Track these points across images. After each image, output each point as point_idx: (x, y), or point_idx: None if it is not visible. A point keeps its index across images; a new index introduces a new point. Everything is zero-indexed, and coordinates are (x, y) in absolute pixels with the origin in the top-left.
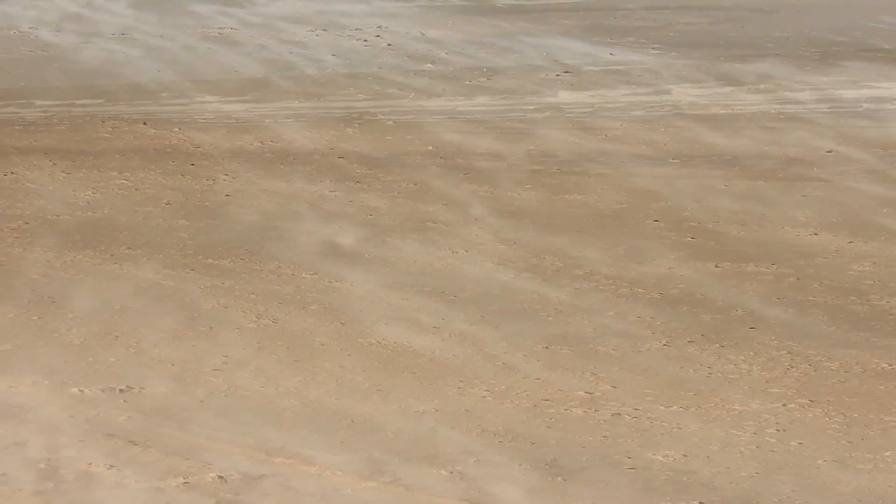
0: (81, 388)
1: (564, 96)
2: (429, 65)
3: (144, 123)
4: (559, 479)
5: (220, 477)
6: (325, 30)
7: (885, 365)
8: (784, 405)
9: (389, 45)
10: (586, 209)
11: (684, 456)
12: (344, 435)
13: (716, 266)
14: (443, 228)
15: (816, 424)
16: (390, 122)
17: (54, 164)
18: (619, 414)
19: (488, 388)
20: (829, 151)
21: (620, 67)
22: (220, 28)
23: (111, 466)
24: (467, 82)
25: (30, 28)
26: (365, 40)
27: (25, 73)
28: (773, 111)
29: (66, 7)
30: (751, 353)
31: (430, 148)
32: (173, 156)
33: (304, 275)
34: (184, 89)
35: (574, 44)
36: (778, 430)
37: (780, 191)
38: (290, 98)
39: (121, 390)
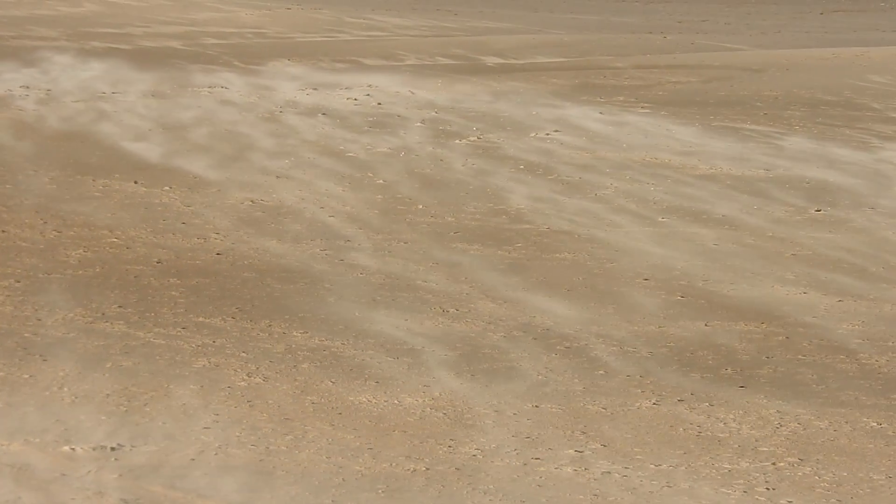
0: (73, 447)
1: (556, 153)
2: (419, 123)
3: (136, 182)
4: None
5: None
6: (315, 89)
7: (874, 424)
8: (773, 464)
9: (379, 104)
10: (576, 267)
11: None
12: (335, 494)
13: (706, 325)
14: (433, 287)
15: (806, 483)
16: (380, 182)
17: (45, 222)
18: (608, 472)
19: (478, 447)
20: (818, 210)
21: (610, 127)
22: (210, 89)
23: None
24: (457, 141)
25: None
26: (355, 99)
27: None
28: (762, 173)
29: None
30: (740, 411)
31: (421, 206)
32: (164, 214)
33: (294, 333)
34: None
35: (564, 103)
36: (768, 488)
37: (769, 249)
38: (280, 157)
39: (112, 448)
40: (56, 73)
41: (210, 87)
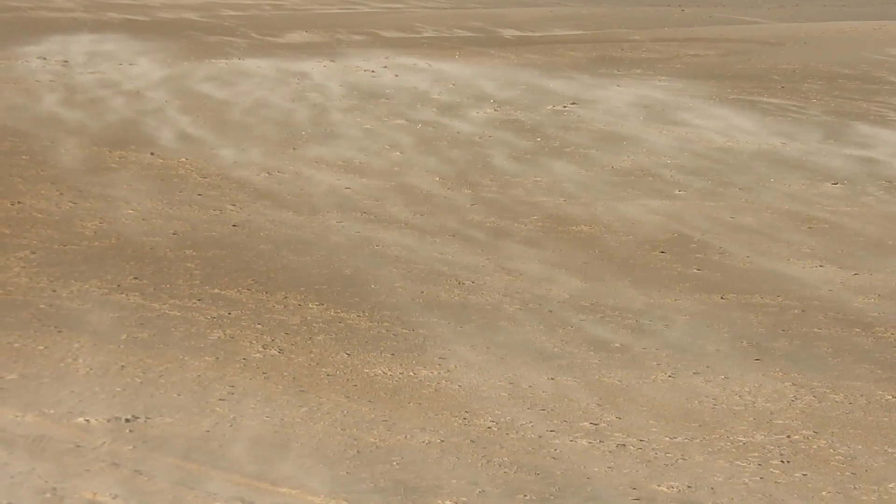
0: (87, 418)
1: (573, 126)
2: (436, 95)
3: (152, 154)
4: None
5: None
6: (332, 60)
7: (889, 397)
8: (788, 437)
9: (397, 75)
10: (592, 240)
11: (689, 487)
12: (350, 465)
13: (721, 298)
14: (449, 259)
15: (821, 456)
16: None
17: (61, 193)
18: (623, 445)
19: (493, 419)
20: (835, 184)
21: (627, 99)
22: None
23: (116, 496)
24: (474, 113)
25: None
26: (373, 71)
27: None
28: (778, 146)
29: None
30: (756, 384)
31: (437, 179)
32: (180, 185)
33: (310, 305)
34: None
35: (581, 75)
36: (782, 461)
37: (785, 223)
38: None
39: (126, 420)
40: (72, 44)
41: (227, 58)
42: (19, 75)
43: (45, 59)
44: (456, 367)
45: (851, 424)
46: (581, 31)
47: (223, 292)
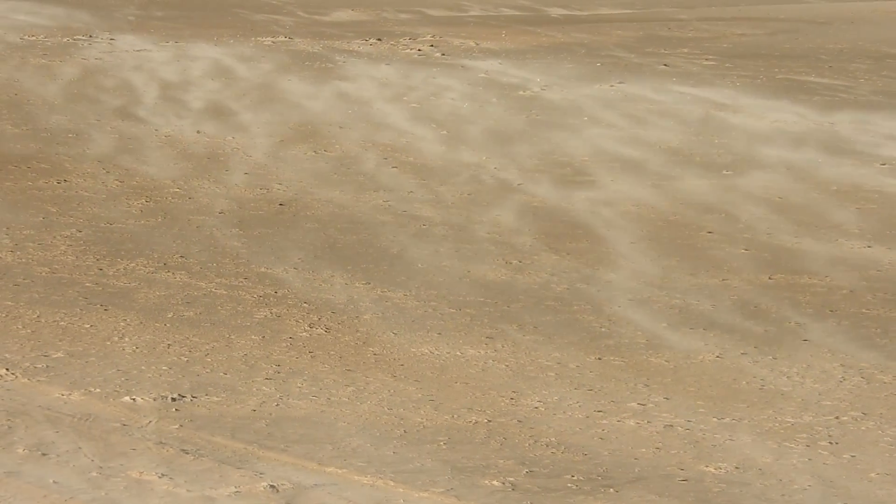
0: (133, 397)
1: (617, 105)
2: (482, 74)
3: (198, 132)
4: (611, 490)
5: (272, 486)
6: (379, 39)
7: None
8: (837, 418)
9: (443, 54)
10: (640, 219)
11: (737, 468)
12: (396, 445)
13: (769, 278)
14: (496, 239)
15: (869, 437)
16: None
17: (107, 172)
18: (671, 425)
19: (541, 399)
20: (884, 164)
21: (674, 79)
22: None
23: (163, 475)
24: (521, 92)
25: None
26: (419, 49)
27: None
28: (827, 125)
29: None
30: (804, 365)
31: (484, 157)
32: (227, 164)
33: (357, 284)
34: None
35: (628, 55)
36: (830, 442)
37: (834, 202)
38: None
39: (173, 399)
40: (119, 23)
41: (273, 37)
42: (69, 54)
43: (91, 37)
44: (503, 346)
45: None
46: (628, 10)
47: (269, 271)
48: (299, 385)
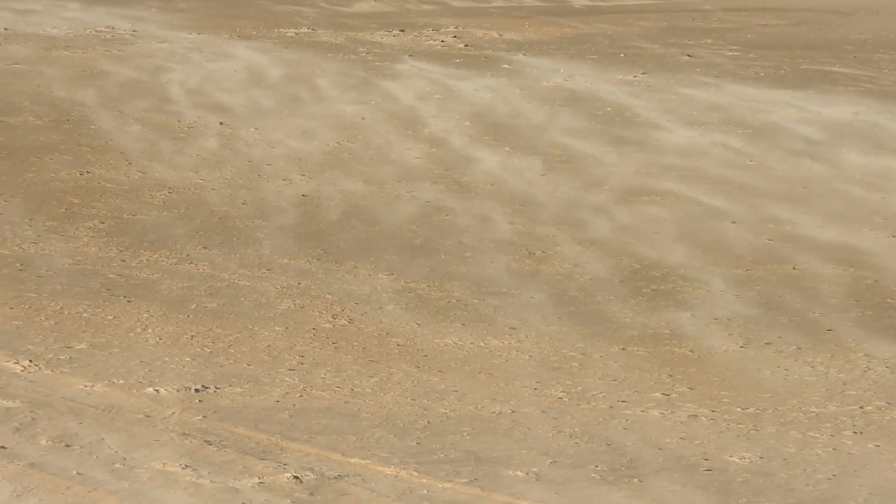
0: (157, 388)
1: (643, 95)
2: (506, 65)
3: (221, 123)
4: (635, 480)
5: (296, 477)
6: (402, 30)
7: None
8: (861, 407)
9: (466, 45)
10: (663, 209)
11: (761, 458)
12: (420, 436)
13: (793, 268)
14: (519, 229)
15: (894, 427)
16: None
17: (130, 163)
18: (695, 415)
19: (564, 390)
20: None
21: (698, 69)
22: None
23: (186, 466)
24: (544, 83)
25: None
26: (442, 41)
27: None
28: (850, 116)
29: None
30: (828, 355)
31: (507, 148)
32: (249, 155)
33: (380, 275)
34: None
35: (651, 45)
36: (855, 432)
37: (858, 192)
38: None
39: (196, 390)
40: (141, 13)
41: (296, 28)
42: (91, 46)
43: (114, 29)
44: (527, 337)
45: None
46: (651, 1)
47: (292, 262)
48: (322, 376)
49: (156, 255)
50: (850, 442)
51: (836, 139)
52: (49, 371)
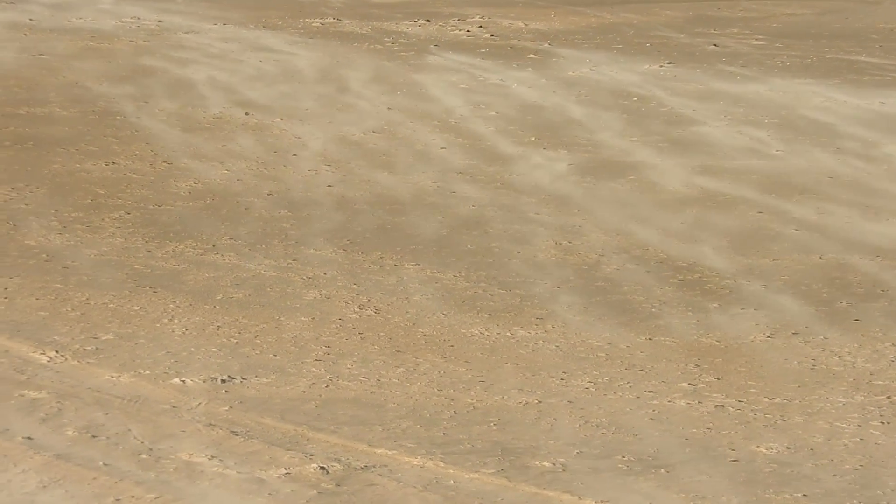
0: (183, 379)
1: (669, 86)
2: (531, 55)
3: (246, 114)
4: (662, 471)
5: (322, 468)
6: (427, 20)
7: None
8: (888, 398)
9: (492, 35)
10: (688, 199)
11: (788, 448)
12: (446, 426)
13: (820, 258)
14: (545, 220)
15: None
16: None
17: (156, 153)
18: (722, 406)
19: (591, 380)
20: None
21: (724, 59)
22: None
23: (213, 457)
24: (570, 73)
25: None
26: (468, 31)
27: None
28: (877, 105)
29: None
30: (855, 345)
31: (534, 138)
32: (275, 145)
33: (406, 265)
34: None
35: (677, 35)
36: (882, 422)
37: (884, 182)
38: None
39: (222, 381)
40: (167, 5)
41: (322, 18)
42: (117, 36)
43: (139, 19)
44: (553, 327)
45: None
46: None
47: (318, 252)
48: (349, 366)
49: (182, 246)
50: (877, 432)
51: (864, 128)
52: (75, 362)
